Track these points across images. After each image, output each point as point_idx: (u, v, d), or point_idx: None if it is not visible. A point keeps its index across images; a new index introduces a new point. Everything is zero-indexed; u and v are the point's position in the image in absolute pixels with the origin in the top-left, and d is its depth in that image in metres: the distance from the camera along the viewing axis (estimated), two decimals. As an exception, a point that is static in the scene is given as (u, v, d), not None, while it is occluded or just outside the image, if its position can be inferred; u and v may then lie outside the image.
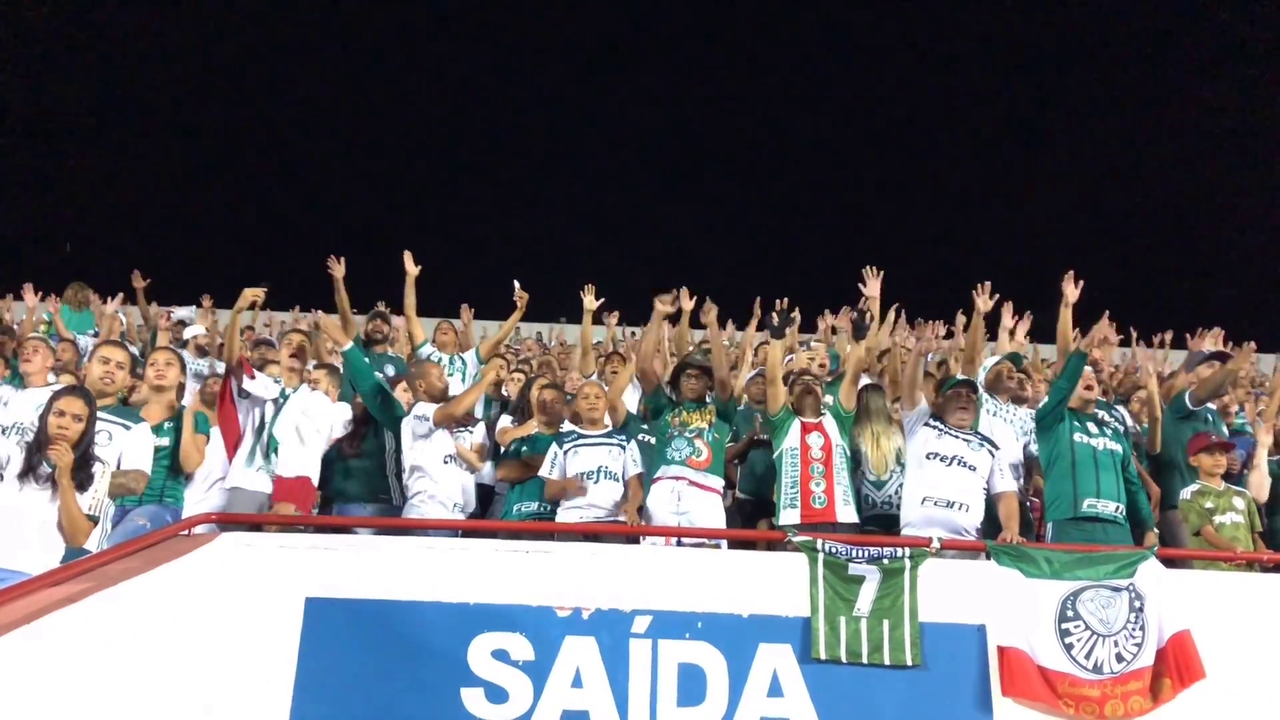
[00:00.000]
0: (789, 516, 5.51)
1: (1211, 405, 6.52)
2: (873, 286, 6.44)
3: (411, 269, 7.44)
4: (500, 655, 4.66)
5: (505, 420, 6.82)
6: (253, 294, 5.94)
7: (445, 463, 5.98)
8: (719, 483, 5.81)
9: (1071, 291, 6.00)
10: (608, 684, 4.66)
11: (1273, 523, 6.01)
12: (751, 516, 6.43)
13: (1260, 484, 6.09)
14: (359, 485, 6.10)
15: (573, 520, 5.64)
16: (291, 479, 5.85)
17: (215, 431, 5.94)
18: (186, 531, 4.87)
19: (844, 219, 35.09)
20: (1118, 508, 5.56)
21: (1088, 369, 5.87)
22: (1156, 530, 5.73)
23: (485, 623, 4.70)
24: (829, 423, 5.82)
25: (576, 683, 4.66)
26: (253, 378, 5.88)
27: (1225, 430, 6.58)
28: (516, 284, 7.75)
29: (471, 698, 4.59)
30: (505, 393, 7.43)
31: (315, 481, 5.97)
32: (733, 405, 6.21)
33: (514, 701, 4.60)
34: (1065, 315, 5.98)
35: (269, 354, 7.39)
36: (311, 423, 5.95)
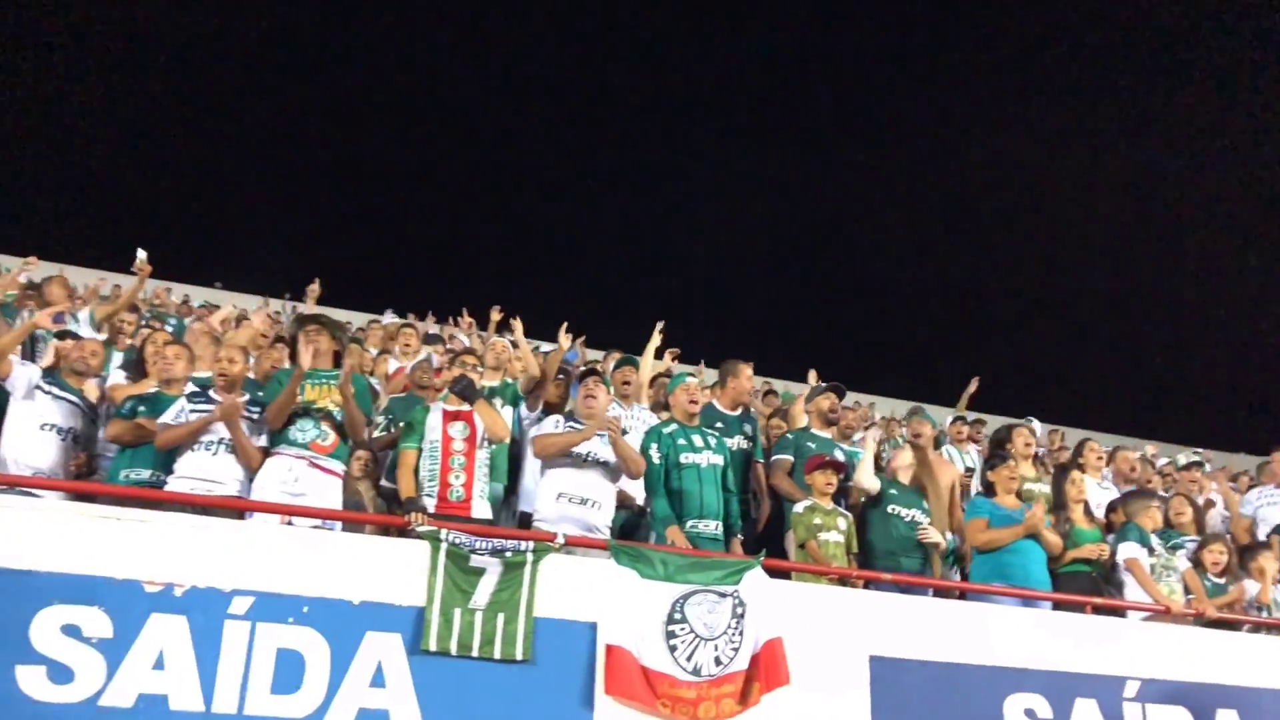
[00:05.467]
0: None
1: (824, 433, 7.02)
2: None
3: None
4: (71, 630, 4.20)
5: (119, 376, 6.18)
6: None
7: (43, 429, 5.50)
8: (341, 467, 5.54)
9: (656, 337, 7.83)
10: (195, 667, 4.32)
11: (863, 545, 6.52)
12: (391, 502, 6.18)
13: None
14: None
15: (183, 490, 5.16)
16: None
17: None
18: None
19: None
20: (718, 525, 5.94)
21: (691, 380, 6.38)
22: (740, 537, 6.14)
23: (56, 594, 4.22)
24: (481, 410, 5.57)
25: (159, 664, 4.28)
26: None
27: (840, 453, 7.08)
28: (141, 254, 7.27)
29: (29, 676, 4.10)
30: (130, 343, 6.75)
31: None
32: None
33: (81, 682, 4.16)
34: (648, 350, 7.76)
35: None
36: None
